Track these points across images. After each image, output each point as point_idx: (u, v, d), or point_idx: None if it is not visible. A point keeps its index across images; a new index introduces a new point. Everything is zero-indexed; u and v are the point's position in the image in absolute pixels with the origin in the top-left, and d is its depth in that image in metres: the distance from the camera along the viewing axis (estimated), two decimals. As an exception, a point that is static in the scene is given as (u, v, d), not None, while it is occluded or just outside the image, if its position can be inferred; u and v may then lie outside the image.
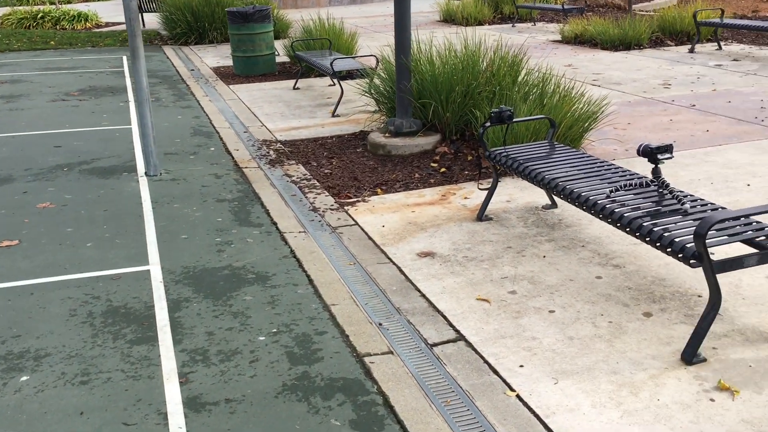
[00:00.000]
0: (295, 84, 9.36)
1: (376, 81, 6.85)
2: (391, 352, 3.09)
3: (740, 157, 5.62)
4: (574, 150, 4.37)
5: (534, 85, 6.04)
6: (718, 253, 3.92)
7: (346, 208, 4.90)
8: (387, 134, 6.29)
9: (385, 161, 5.97)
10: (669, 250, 2.99)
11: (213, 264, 3.99)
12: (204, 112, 8.15)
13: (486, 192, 4.49)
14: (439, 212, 4.75)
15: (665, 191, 3.41)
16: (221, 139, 6.88)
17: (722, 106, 7.36)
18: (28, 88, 9.87)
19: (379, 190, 5.28)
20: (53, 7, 18.70)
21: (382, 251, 4.16)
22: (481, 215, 4.57)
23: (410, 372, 2.94)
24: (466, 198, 4.99)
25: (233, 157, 6.21)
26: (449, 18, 16.86)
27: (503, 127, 5.33)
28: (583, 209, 3.54)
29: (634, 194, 3.52)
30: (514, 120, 4.42)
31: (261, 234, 4.44)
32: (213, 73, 10.87)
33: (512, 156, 4.33)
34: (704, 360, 2.93)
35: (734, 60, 10.17)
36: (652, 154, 3.36)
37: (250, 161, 6.07)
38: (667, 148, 3.36)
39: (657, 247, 3.05)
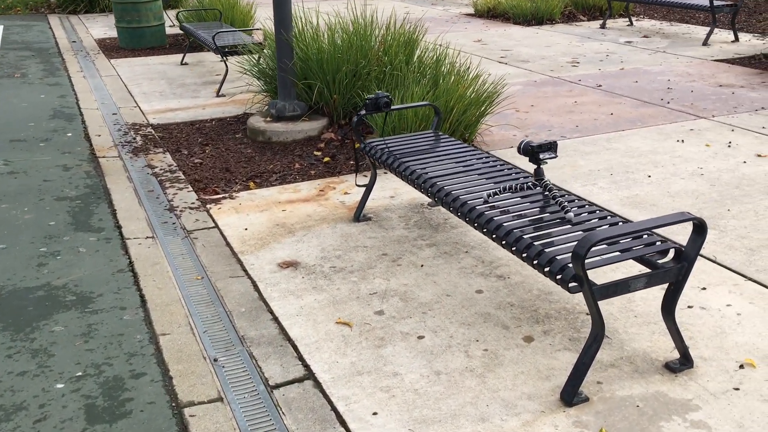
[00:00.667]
0: (183, 59, 8.58)
1: (261, 58, 6.21)
2: (221, 399, 2.55)
3: (643, 144, 5.28)
4: (459, 142, 3.89)
5: (428, 66, 5.53)
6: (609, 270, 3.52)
7: (208, 206, 4.30)
8: (268, 118, 5.68)
9: (265, 149, 5.38)
10: (547, 270, 2.54)
11: (27, 282, 3.34)
12: (73, 90, 7.32)
13: (364, 189, 4.01)
14: (313, 211, 4.21)
15: (549, 195, 2.96)
16: (83, 122, 6.12)
17: (629, 86, 7.06)
18: None
19: (251, 184, 4.70)
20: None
21: (239, 261, 3.60)
22: (359, 215, 4.05)
23: (238, 427, 2.40)
24: (345, 194, 4.46)
25: (91, 145, 5.48)
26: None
27: (383, 115, 4.81)
28: (458, 216, 3.06)
29: (518, 197, 3.06)
30: (393, 108, 3.90)
31: (98, 241, 3.80)
32: (97, 45, 9.93)
33: (387, 149, 3.81)
34: (586, 399, 2.50)
35: (644, 36, 9.95)
36: (533, 153, 2.90)
37: (111, 149, 5.36)
38: (550, 146, 2.91)
39: (534, 266, 2.60)
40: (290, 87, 5.55)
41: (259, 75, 6.04)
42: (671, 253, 3.40)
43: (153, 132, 5.83)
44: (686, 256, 2.52)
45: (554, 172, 4.73)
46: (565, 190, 3.07)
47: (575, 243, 2.59)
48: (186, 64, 8.56)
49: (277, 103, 5.61)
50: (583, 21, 11.59)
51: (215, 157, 5.21)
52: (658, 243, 2.61)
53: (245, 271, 3.50)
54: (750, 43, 9.31)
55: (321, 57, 5.49)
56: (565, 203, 2.88)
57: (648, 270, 3.26)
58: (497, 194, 3.04)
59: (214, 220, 4.09)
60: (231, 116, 6.26)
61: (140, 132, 5.83)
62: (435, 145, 3.89)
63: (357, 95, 5.48)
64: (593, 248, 2.48)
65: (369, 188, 4.04)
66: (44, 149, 5.32)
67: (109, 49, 9.68)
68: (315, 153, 5.23)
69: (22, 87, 7.44)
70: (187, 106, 6.63)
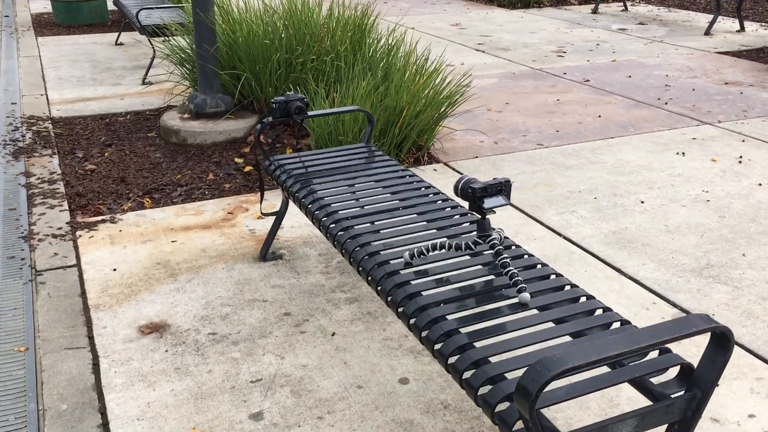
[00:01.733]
0: (117, 38, 7.57)
1: (185, 41, 5.23)
2: None
3: (635, 156, 4.36)
4: (393, 163, 2.95)
5: (381, 56, 4.58)
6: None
7: (79, 233, 3.35)
8: (186, 115, 4.72)
9: (177, 153, 4.42)
10: (480, 398, 1.62)
11: None
12: (-22, 73, 6.32)
13: (274, 218, 3.05)
14: (211, 243, 3.27)
15: (497, 260, 2.03)
16: (-29, 114, 5.14)
17: (620, 82, 6.12)
18: None
19: (146, 201, 3.75)
20: None
21: (88, 322, 2.66)
22: (265, 252, 3.12)
23: None
24: (259, 218, 3.52)
25: (-34, 144, 4.51)
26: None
27: (320, 120, 3.86)
28: (367, 281, 2.13)
29: (454, 258, 2.14)
30: (308, 114, 2.94)
31: None
32: (31, 21, 8.89)
33: (295, 171, 2.87)
34: None
35: (640, 23, 8.99)
36: (475, 198, 1.96)
37: (-13, 150, 4.39)
38: (501, 189, 1.98)
39: (461, 384, 1.68)
40: (212, 78, 4.58)
41: (181, 62, 5.06)
42: (674, 370, 2.41)
43: (50, 128, 4.85)
44: (701, 381, 1.61)
45: (525, 193, 3.80)
46: (523, 249, 2.15)
47: (524, 367, 1.67)
48: (121, 44, 7.55)
49: (196, 96, 4.64)
50: (574, 5, 10.62)
51: (114, 163, 4.25)
52: (657, 356, 1.70)
53: (91, 338, 2.56)
54: (757, 33, 8.37)
55: (249, 43, 4.51)
56: (518, 276, 1.94)
57: (640, 402, 2.35)
58: (424, 254, 2.11)
59: (77, 255, 3.15)
60: (151, 109, 5.28)
61: (34, 127, 4.85)
62: (362, 164, 2.95)
63: (291, 89, 4.52)
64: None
65: (279, 218, 3.10)
66: None
67: (43, 25, 8.64)
68: (236, 160, 4.27)
69: None
70: (103, 95, 5.64)
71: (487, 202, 1.97)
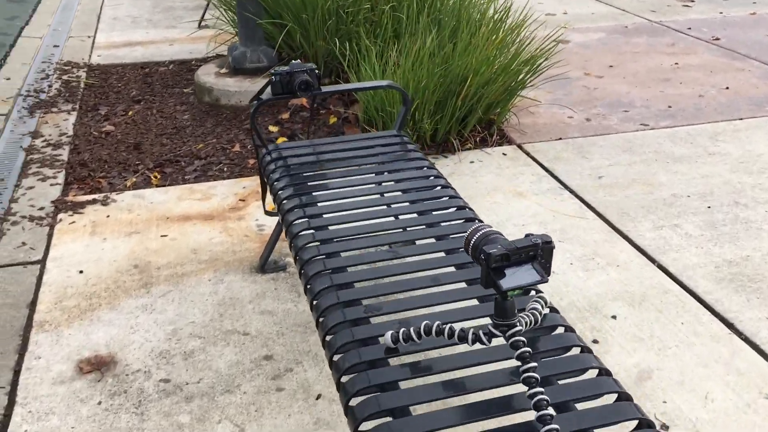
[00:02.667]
0: (188, -26, 7.00)
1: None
2: None
3: (770, 147, 3.39)
4: (420, 164, 2.20)
5: (454, 7, 3.74)
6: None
7: (60, 217, 2.82)
8: (224, 69, 4.09)
9: (208, 115, 3.82)
10: None
11: None
12: (34, 9, 5.92)
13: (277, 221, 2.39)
14: (207, 240, 2.66)
15: (522, 365, 1.28)
16: (6, 56, 4.72)
17: (760, 42, 4.98)
18: None
19: (155, 176, 3.18)
20: None
21: (23, 347, 2.12)
22: (264, 262, 2.48)
23: None
24: (274, 208, 2.87)
25: (-17, 94, 4.08)
26: None
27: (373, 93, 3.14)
28: (330, 367, 1.44)
29: (458, 350, 1.42)
30: (318, 90, 2.23)
31: None
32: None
33: (291, 166, 2.19)
34: None
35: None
36: (489, 270, 1.22)
37: (3, 102, 3.94)
38: (534, 254, 1.22)
39: None
40: (254, 27, 3.92)
41: (228, 4, 4.41)
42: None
43: (83, 77, 4.36)
44: None
45: (614, 194, 2.96)
46: (573, 337, 1.39)
47: None
48: (192, -20, 6.98)
49: (236, 48, 4.00)
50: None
51: (135, 125, 3.70)
52: None
53: (17, 373, 2.02)
54: None
55: (298, -15, 3.79)
56: (548, 408, 1.19)
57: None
58: (414, 339, 1.39)
59: (47, 248, 2.62)
60: (198, 59, 4.70)
61: (65, 76, 4.37)
62: (381, 163, 2.23)
63: (336, 45, 3.78)
64: None
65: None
66: None
67: (122, -43, 8.20)
68: (270, 128, 3.63)
69: (-22, 2, 6.11)
70: (153, 40, 5.10)
71: (509, 278, 1.22)
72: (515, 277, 1.23)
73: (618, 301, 2.30)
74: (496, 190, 3.00)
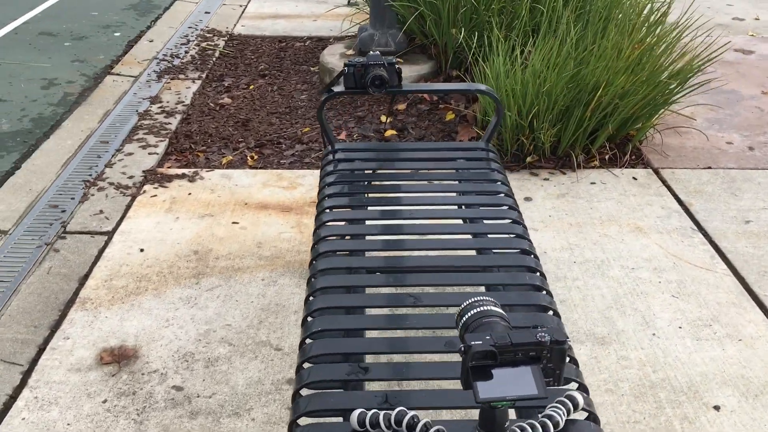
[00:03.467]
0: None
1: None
2: None
3: None
4: (498, 188, 1.85)
5: (598, 6, 3.27)
6: None
7: (145, 188, 2.77)
8: (351, 51, 3.89)
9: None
10: None
11: None
12: (200, -25, 6.07)
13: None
14: (276, 234, 2.48)
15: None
16: (156, 20, 4.83)
17: None
18: None
19: (252, 156, 3.06)
20: None
21: (56, 325, 2.06)
22: (323, 269, 2.25)
23: None
24: (355, 210, 2.63)
25: (124, 54, 4.17)
26: None
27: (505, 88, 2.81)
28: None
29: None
30: (394, 88, 1.95)
31: None
32: None
33: (344, 172, 1.94)
34: None
35: None
36: (468, 370, 0.89)
37: (137, 65, 4.00)
38: (537, 355, 0.89)
39: None
40: (384, 8, 3.68)
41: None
42: None
43: (220, 46, 4.36)
44: None
45: (759, 246, 2.42)
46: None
47: None
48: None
49: (365, 29, 3.78)
50: None
51: (251, 100, 3.61)
52: None
53: (40, 351, 1.95)
54: None
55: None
56: None
57: None
58: (382, 427, 1.09)
59: (120, 219, 2.56)
60: (336, 37, 4.55)
61: (204, 43, 4.39)
62: (457, 178, 1.91)
63: (473, 35, 3.44)
64: None
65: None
66: (60, 51, 4.13)
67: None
68: (382, 119, 3.39)
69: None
70: (299, 14, 5.02)
71: (493, 384, 0.89)
72: (502, 384, 0.90)
73: (728, 387, 1.84)
74: (611, 220, 2.57)
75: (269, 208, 2.65)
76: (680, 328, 2.05)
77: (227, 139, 3.22)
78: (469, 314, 0.96)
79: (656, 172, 2.91)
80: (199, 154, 3.08)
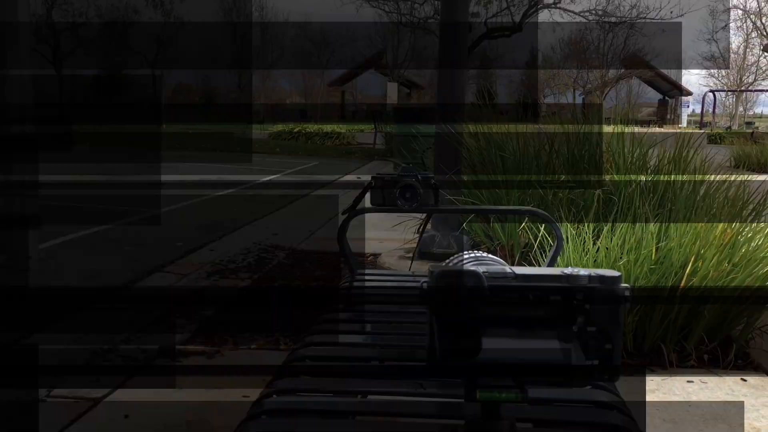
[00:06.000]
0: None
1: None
2: None
3: None
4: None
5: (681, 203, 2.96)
6: None
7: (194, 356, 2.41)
8: (410, 254, 3.65)
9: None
10: None
11: None
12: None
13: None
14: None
15: None
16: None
17: None
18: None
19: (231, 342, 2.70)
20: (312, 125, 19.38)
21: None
22: None
23: None
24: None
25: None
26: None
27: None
28: None
29: None
30: (426, 204, 1.63)
31: None
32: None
33: (362, 301, 1.56)
34: None
35: None
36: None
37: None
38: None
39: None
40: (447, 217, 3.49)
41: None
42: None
43: (280, 256, 4.21)
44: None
45: None
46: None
47: None
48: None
49: (426, 231, 3.58)
50: None
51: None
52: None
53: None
54: None
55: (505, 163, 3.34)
56: None
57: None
58: None
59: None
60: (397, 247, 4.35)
61: (263, 254, 4.27)
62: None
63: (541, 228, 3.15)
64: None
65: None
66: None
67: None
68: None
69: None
70: (369, 237, 4.93)
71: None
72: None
73: None
74: (716, 419, 1.98)
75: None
76: None
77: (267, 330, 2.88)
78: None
79: (770, 376, 2.33)
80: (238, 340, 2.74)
